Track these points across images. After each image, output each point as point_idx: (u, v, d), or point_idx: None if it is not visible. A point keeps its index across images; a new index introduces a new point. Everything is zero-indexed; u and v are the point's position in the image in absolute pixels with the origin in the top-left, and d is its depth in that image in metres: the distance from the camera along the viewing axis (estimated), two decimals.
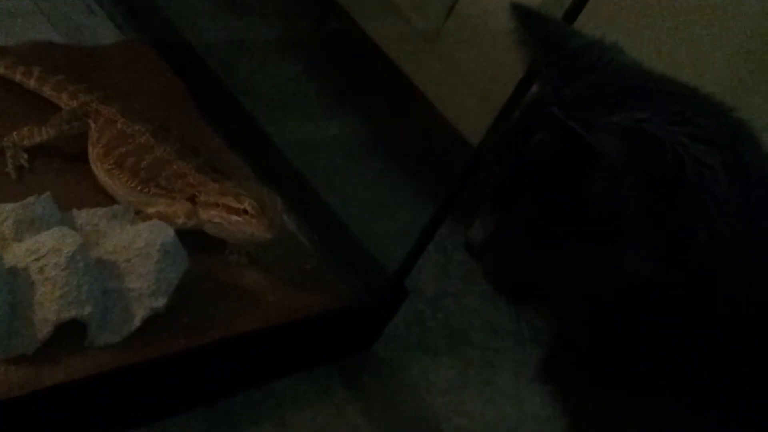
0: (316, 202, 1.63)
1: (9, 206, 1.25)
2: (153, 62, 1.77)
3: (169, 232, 1.27)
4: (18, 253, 1.19)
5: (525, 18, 0.92)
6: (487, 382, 1.64)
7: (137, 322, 1.24)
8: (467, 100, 1.79)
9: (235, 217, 1.34)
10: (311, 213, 1.60)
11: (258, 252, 1.46)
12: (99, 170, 1.45)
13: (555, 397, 1.01)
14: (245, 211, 1.33)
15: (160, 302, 1.25)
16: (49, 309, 1.17)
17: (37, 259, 1.18)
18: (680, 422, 0.88)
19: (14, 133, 1.44)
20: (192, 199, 1.39)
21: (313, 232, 1.57)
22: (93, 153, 1.46)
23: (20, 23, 1.74)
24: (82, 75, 1.59)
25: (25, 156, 1.43)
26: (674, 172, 0.75)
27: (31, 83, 1.54)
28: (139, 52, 1.78)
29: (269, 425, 1.39)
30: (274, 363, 1.45)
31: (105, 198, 1.42)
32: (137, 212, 1.40)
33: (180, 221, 1.39)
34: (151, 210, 1.41)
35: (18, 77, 1.55)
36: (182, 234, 1.33)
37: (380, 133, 1.96)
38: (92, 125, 1.48)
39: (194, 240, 1.38)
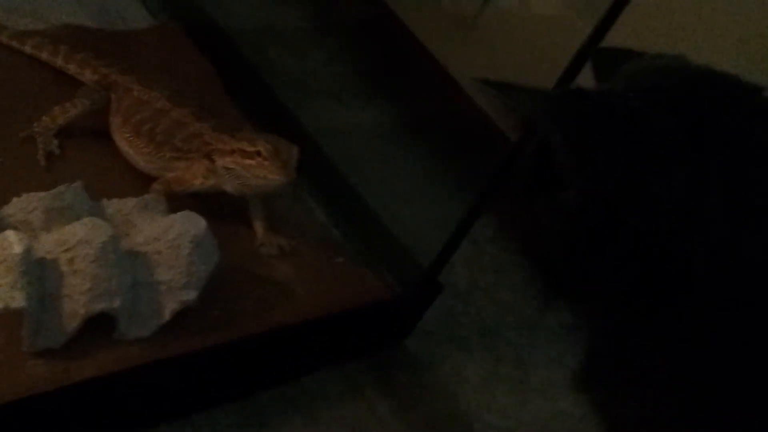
0: (348, 193, 1.60)
1: (39, 195, 1.22)
2: (184, 47, 1.74)
3: (201, 224, 1.25)
4: (47, 244, 1.16)
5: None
6: (519, 379, 1.60)
7: (167, 315, 1.22)
8: None
9: (248, 161, 1.33)
10: (343, 204, 1.57)
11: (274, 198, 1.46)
12: (119, 140, 1.44)
13: (594, 405, 0.98)
14: (259, 154, 1.31)
15: (191, 295, 1.23)
16: (78, 302, 1.15)
17: (67, 250, 1.15)
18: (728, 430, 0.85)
19: (43, 117, 1.43)
20: (209, 157, 1.37)
21: (344, 224, 1.54)
22: (113, 123, 1.46)
23: (50, 6, 1.72)
24: (113, 60, 1.56)
25: (56, 142, 1.41)
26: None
27: (58, 62, 1.54)
28: (170, 36, 1.76)
29: (300, 421, 1.37)
30: (305, 357, 1.43)
31: (136, 187, 1.39)
32: (156, 178, 1.41)
33: (198, 182, 1.39)
34: (170, 175, 1.40)
35: (45, 56, 1.54)
36: (202, 197, 1.36)
37: (414, 123, 1.93)
38: (113, 96, 1.47)
39: (224, 232, 1.35)
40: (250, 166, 1.33)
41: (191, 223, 1.25)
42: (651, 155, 0.79)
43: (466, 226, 1.43)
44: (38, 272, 1.14)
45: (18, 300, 1.10)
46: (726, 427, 0.85)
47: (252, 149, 1.33)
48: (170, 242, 1.23)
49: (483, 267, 1.77)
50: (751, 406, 0.83)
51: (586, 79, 1.05)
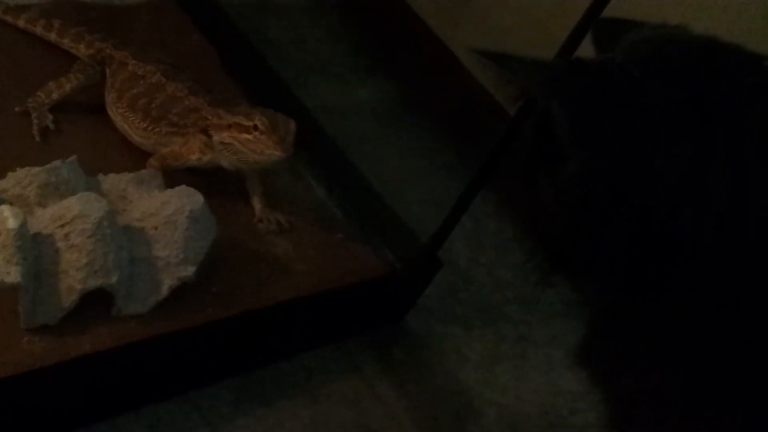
0: (347, 170, 1.58)
1: (34, 170, 1.21)
2: (180, 22, 1.72)
3: (198, 199, 1.23)
4: (43, 219, 1.15)
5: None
6: (520, 356, 1.60)
7: (165, 291, 1.21)
8: None
9: (245, 135, 1.32)
10: (343, 181, 1.56)
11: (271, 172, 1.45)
12: (114, 115, 1.43)
13: (594, 381, 0.98)
14: (256, 128, 1.31)
15: (189, 271, 1.22)
16: (74, 277, 1.13)
17: (63, 226, 1.14)
18: (728, 404, 0.85)
19: (38, 92, 1.41)
20: (206, 132, 1.36)
21: (344, 201, 1.53)
22: (108, 98, 1.45)
23: None
24: (107, 35, 1.54)
25: (51, 117, 1.40)
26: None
27: (52, 36, 1.52)
28: (166, 11, 1.73)
29: (299, 398, 1.36)
30: (305, 334, 1.42)
31: (131, 162, 1.38)
32: (152, 153, 1.40)
33: (195, 157, 1.38)
34: (165, 150, 1.39)
35: (39, 30, 1.53)
36: (199, 172, 1.36)
37: (414, 98, 1.91)
38: (107, 71, 1.46)
39: (222, 208, 1.34)
40: (247, 140, 1.32)
41: (188, 199, 1.23)
42: (652, 127, 0.77)
43: (465, 202, 1.42)
44: (34, 247, 1.12)
45: (13, 275, 1.09)
46: (726, 404, 0.84)
47: (249, 124, 1.31)
48: (167, 218, 1.22)
49: (483, 243, 1.76)
50: (751, 382, 0.82)
51: (587, 50, 1.03)
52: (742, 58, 0.83)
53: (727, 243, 0.77)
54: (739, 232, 0.77)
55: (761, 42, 0.86)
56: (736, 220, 0.76)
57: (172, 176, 1.36)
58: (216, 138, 1.35)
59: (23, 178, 1.21)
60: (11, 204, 1.15)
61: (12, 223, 1.09)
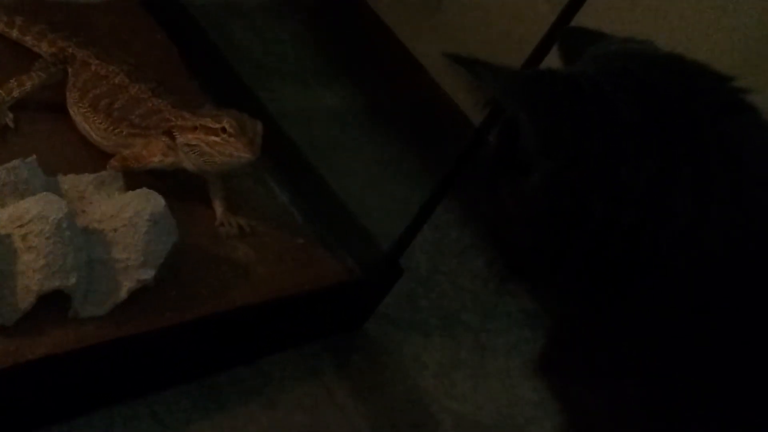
0: (310, 175, 1.58)
1: None
2: (144, 22, 1.71)
3: (159, 202, 1.22)
4: (1, 219, 1.14)
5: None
6: (478, 365, 1.60)
7: (123, 294, 1.20)
8: None
9: (213, 138, 1.31)
10: (305, 186, 1.56)
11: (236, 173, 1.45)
12: (76, 115, 1.42)
13: (554, 391, 0.98)
14: (224, 130, 1.29)
15: (148, 274, 1.21)
16: (31, 278, 1.12)
17: (21, 226, 1.13)
18: (685, 416, 0.85)
19: None
20: (169, 134, 1.35)
21: (306, 206, 1.52)
22: (70, 98, 1.43)
23: None
24: (70, 33, 1.52)
25: (11, 116, 1.38)
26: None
27: (14, 33, 1.50)
28: (129, 11, 1.72)
29: (256, 404, 1.35)
30: (263, 340, 1.41)
31: (92, 163, 1.36)
32: (114, 154, 1.38)
33: (156, 159, 1.36)
34: (127, 152, 1.37)
35: (0, 27, 1.50)
36: (161, 175, 1.34)
37: (378, 105, 1.91)
38: (70, 70, 1.44)
39: (183, 211, 1.33)
40: (215, 143, 1.31)
41: (149, 201, 1.22)
42: (620, 141, 0.78)
43: (428, 210, 1.42)
44: None
45: None
46: (684, 417, 0.85)
47: (216, 126, 1.30)
48: (127, 220, 1.21)
49: (445, 252, 1.76)
50: (710, 395, 0.83)
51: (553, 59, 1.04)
52: (708, 77, 0.84)
53: (686, 258, 0.78)
54: (698, 248, 0.78)
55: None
56: (696, 237, 0.77)
57: (133, 178, 1.34)
58: (181, 140, 1.34)
59: None
60: None
61: None
